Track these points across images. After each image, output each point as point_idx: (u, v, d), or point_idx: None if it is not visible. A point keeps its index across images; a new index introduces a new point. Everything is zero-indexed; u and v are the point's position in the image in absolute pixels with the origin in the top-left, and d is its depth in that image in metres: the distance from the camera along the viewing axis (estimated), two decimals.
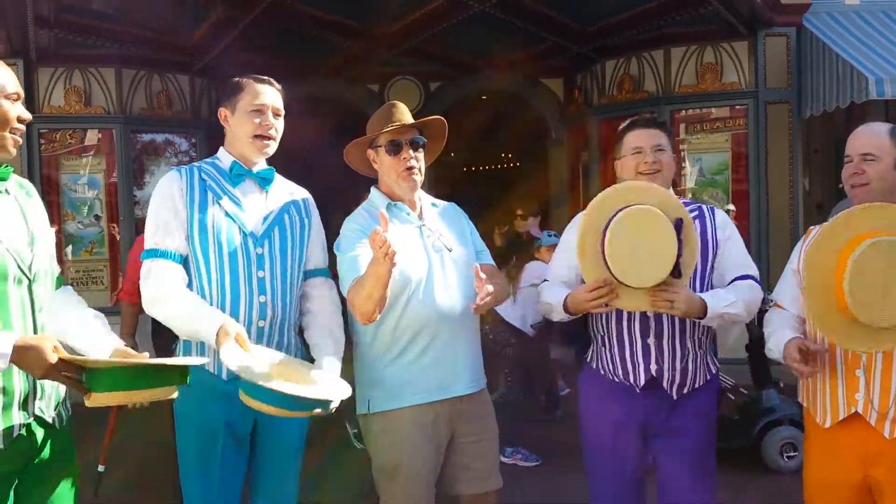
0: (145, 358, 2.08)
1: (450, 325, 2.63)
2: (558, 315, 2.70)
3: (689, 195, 7.43)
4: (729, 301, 2.57)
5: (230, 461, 2.52)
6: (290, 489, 2.65)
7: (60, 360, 1.90)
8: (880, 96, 5.95)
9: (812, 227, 2.64)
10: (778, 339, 2.51)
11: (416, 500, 2.63)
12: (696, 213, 2.73)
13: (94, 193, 7.48)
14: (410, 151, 2.69)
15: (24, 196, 2.20)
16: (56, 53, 7.12)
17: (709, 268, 2.68)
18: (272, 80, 2.63)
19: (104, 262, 7.46)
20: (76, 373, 1.93)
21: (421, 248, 2.66)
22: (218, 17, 6.42)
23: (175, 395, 2.08)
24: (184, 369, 2.11)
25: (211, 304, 2.47)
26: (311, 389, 2.29)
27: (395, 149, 2.68)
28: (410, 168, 2.68)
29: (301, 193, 2.76)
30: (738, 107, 7.35)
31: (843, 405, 2.37)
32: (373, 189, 2.80)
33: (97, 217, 7.47)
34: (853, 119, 7.87)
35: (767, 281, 7.23)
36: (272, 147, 2.61)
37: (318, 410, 2.27)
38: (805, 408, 2.55)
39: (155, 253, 2.49)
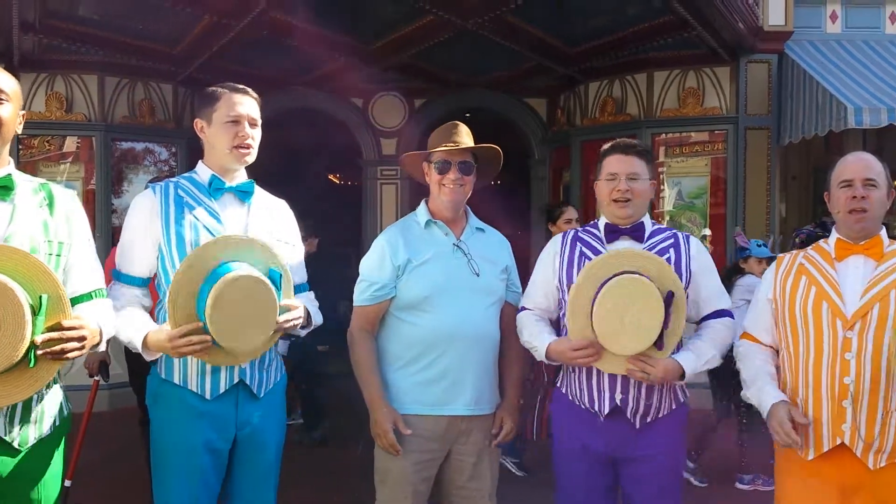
0: None
1: (460, 347, 2.69)
2: (540, 357, 2.72)
3: (667, 218, 7.48)
4: (707, 357, 2.62)
5: (209, 480, 2.49)
6: (269, 500, 2.63)
7: None
8: (858, 125, 6.03)
9: (782, 255, 2.64)
10: (761, 394, 2.48)
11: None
12: (672, 241, 2.71)
13: None
14: (458, 173, 2.78)
15: (33, 205, 2.17)
16: (39, 59, 7.06)
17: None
18: (248, 89, 2.61)
19: None
20: None
21: (447, 267, 2.74)
22: (204, 26, 6.39)
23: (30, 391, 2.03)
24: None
25: None
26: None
27: (443, 168, 2.78)
28: (453, 188, 2.78)
29: (282, 207, 2.76)
30: (717, 131, 7.43)
31: (828, 437, 2.35)
32: (422, 202, 2.92)
33: None
34: (830, 147, 7.99)
35: None
36: (251, 156, 2.60)
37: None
38: (776, 443, 2.48)
39: (117, 276, 2.56)
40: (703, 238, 7.39)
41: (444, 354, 2.68)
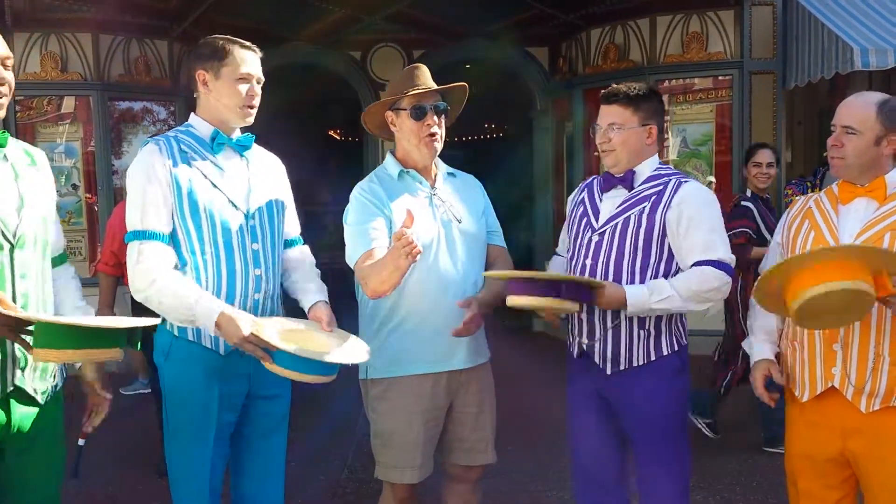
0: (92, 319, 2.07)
1: (452, 297, 2.62)
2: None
3: (672, 167, 7.41)
4: (662, 295, 2.51)
5: (223, 434, 2.51)
6: (278, 458, 2.65)
7: (1, 313, 1.87)
8: (865, 67, 5.93)
9: (797, 198, 2.63)
10: (752, 349, 2.61)
11: (409, 466, 2.67)
12: (659, 188, 2.62)
13: (72, 162, 7.36)
14: (434, 117, 2.66)
15: (25, 163, 2.19)
16: (32, 18, 6.97)
17: (654, 251, 2.59)
18: (254, 46, 2.56)
19: (82, 232, 7.37)
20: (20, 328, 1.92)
21: (429, 218, 2.66)
22: None
23: (121, 357, 2.06)
24: (132, 332, 2.09)
25: (207, 281, 2.43)
26: (343, 354, 2.34)
27: (418, 113, 2.65)
28: (433, 134, 2.66)
29: (274, 160, 2.73)
30: (722, 77, 7.32)
31: (821, 379, 2.38)
32: (388, 154, 2.78)
33: (74, 186, 7.36)
34: (837, 90, 7.88)
35: None
36: (254, 114, 2.56)
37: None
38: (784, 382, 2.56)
39: (142, 235, 2.38)
40: (710, 184, 7.34)
41: (437, 306, 2.61)
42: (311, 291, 2.65)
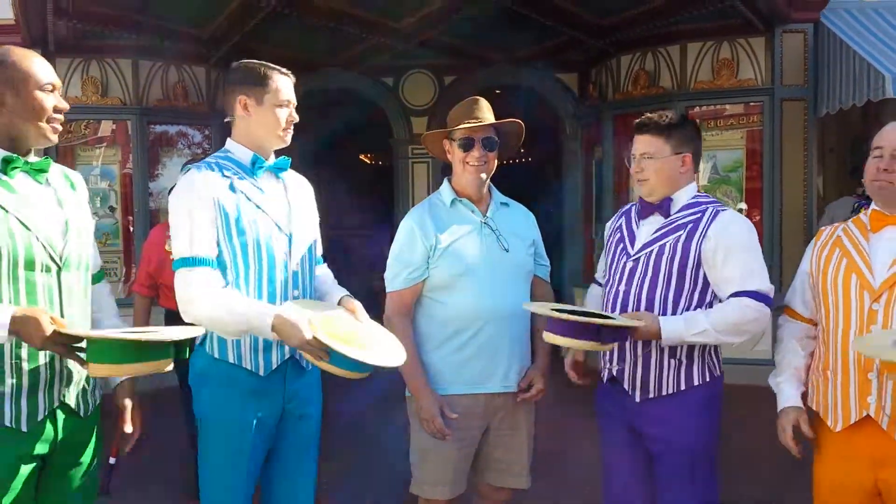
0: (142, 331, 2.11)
1: (494, 324, 2.72)
2: None
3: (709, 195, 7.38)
4: (697, 329, 2.50)
5: (257, 456, 2.54)
6: (309, 476, 2.68)
7: (56, 331, 1.93)
8: None
9: (823, 228, 2.63)
10: (779, 391, 2.60)
11: (444, 483, 2.75)
12: (696, 216, 2.61)
13: (109, 184, 7.53)
14: (482, 150, 2.78)
15: (66, 187, 2.27)
16: (74, 44, 7.16)
17: (688, 281, 2.58)
18: (289, 72, 2.62)
19: (118, 253, 7.52)
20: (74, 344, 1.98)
21: (477, 245, 2.76)
22: (235, 7, 6.43)
23: (170, 367, 2.11)
24: (180, 343, 2.14)
25: None
26: (384, 356, 2.40)
27: (467, 146, 2.77)
28: (478, 165, 2.77)
29: (304, 182, 2.78)
30: (753, 104, 7.31)
31: (855, 409, 2.36)
32: (445, 181, 2.91)
33: (112, 208, 7.52)
34: (868, 118, 7.82)
35: (780, 281, 7.21)
36: (290, 137, 2.63)
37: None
38: (815, 412, 2.53)
39: (191, 262, 2.39)
40: (740, 211, 7.30)
41: (479, 332, 2.71)
42: (336, 291, 2.71)
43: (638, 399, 2.64)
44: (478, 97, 2.87)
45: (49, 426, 2.11)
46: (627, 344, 2.63)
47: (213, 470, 2.53)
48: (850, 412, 2.37)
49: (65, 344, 1.96)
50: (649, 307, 2.59)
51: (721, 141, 7.43)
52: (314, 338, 2.27)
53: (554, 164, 9.87)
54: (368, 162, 14.12)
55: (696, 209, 2.65)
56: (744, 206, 7.28)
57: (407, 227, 2.79)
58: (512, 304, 2.75)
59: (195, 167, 2.52)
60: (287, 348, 2.50)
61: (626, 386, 2.66)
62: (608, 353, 2.70)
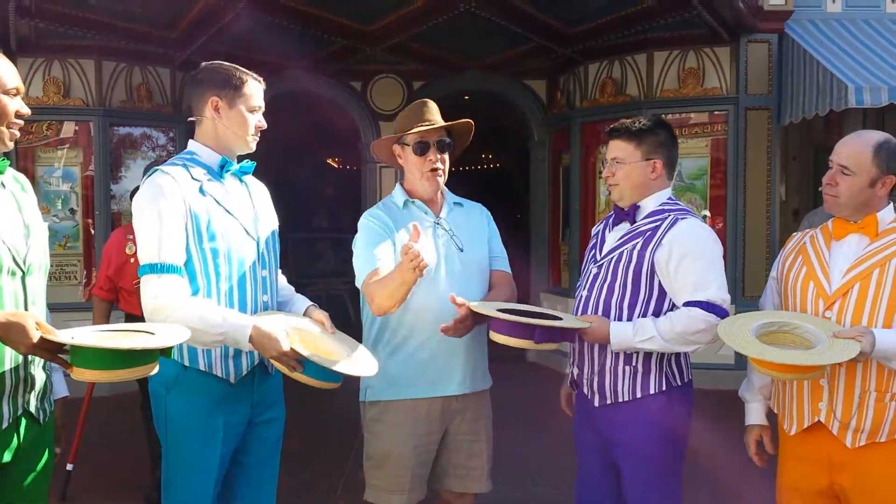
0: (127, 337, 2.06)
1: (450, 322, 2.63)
2: None
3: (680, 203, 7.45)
4: (644, 336, 2.49)
5: (226, 460, 2.51)
6: (271, 481, 2.65)
7: (42, 337, 1.88)
8: (859, 105, 6.00)
9: (794, 234, 2.66)
10: (750, 409, 2.68)
11: (399, 490, 2.69)
12: (656, 224, 2.59)
13: (70, 186, 7.39)
14: (437, 153, 2.74)
15: (19, 189, 2.20)
16: (36, 44, 7.04)
17: (643, 289, 2.57)
18: (259, 77, 2.60)
19: (78, 256, 7.37)
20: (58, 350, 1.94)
21: (431, 246, 2.70)
22: (201, 9, 6.36)
23: (156, 370, 2.06)
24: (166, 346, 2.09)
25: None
26: (358, 366, 2.42)
27: (421, 149, 2.73)
28: (435, 169, 2.74)
29: (263, 186, 2.74)
30: (718, 112, 7.40)
31: (808, 414, 2.39)
32: (397, 185, 2.86)
33: (72, 210, 7.38)
34: (831, 127, 7.96)
35: (743, 287, 7.31)
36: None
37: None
38: (777, 415, 2.57)
39: (159, 268, 2.31)
40: (704, 219, 7.38)
41: (436, 333, 2.61)
42: (300, 300, 2.70)
43: (596, 404, 2.64)
44: (426, 99, 2.83)
45: (13, 434, 2.06)
46: (586, 349, 2.64)
47: (179, 477, 2.47)
48: (803, 416, 2.41)
49: (50, 349, 1.91)
50: (605, 313, 2.60)
51: (686, 149, 7.49)
52: (292, 349, 2.26)
53: (522, 171, 9.92)
54: (336, 166, 14.08)
55: (658, 217, 2.62)
56: (707, 213, 7.36)
57: (367, 224, 2.74)
58: (468, 300, 2.64)
59: (161, 170, 2.42)
60: (257, 354, 2.46)
61: (585, 390, 2.68)
62: (571, 356, 2.71)
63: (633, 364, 2.58)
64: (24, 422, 2.09)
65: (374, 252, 2.65)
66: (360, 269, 2.66)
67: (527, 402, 6.39)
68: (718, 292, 2.51)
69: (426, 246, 2.58)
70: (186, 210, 2.34)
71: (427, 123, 2.73)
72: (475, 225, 2.88)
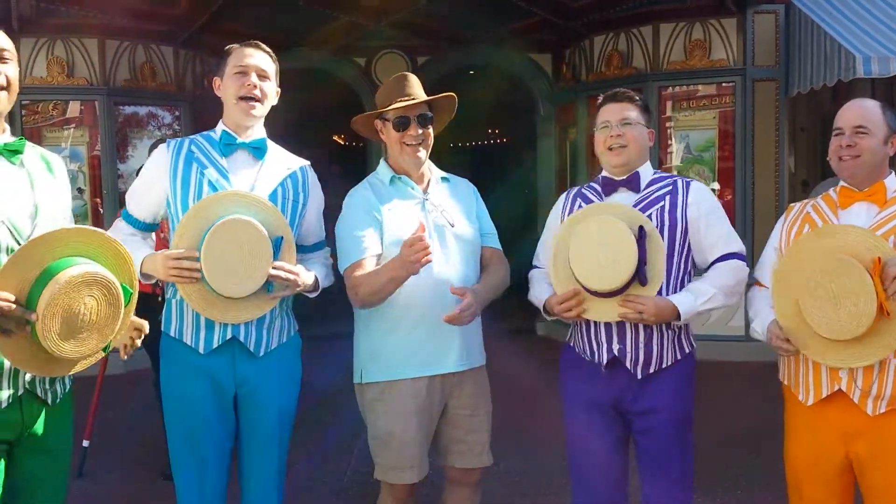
0: None
1: (444, 301, 2.63)
2: (544, 314, 2.75)
3: (675, 172, 7.43)
4: (707, 297, 2.58)
5: (216, 434, 2.54)
6: (271, 464, 2.65)
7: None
8: (867, 75, 5.95)
9: (793, 205, 2.65)
10: (763, 320, 2.54)
11: (409, 464, 2.69)
12: (669, 188, 2.68)
13: (77, 166, 7.40)
14: (418, 129, 2.68)
15: (41, 170, 2.21)
16: (39, 23, 7.01)
17: (678, 249, 2.63)
18: (261, 44, 2.62)
19: None
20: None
21: (421, 222, 2.64)
22: None
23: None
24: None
25: None
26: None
27: (402, 124, 2.68)
28: (416, 144, 2.68)
29: (300, 166, 2.74)
30: (725, 84, 7.35)
31: (827, 383, 2.39)
32: (381, 161, 2.81)
33: (80, 190, 7.40)
34: (839, 97, 7.89)
35: (753, 259, 7.26)
36: (259, 109, 2.58)
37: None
38: (786, 386, 2.57)
39: (125, 215, 2.68)
40: (713, 192, 7.34)
41: (430, 311, 2.62)
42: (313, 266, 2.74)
43: (640, 376, 2.63)
44: (406, 73, 2.77)
45: (15, 413, 2.08)
46: (627, 324, 2.61)
47: (177, 446, 2.58)
48: (821, 386, 2.40)
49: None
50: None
51: (693, 121, 7.47)
52: (175, 256, 2.39)
53: (528, 145, 9.87)
54: (341, 143, 14.04)
55: (663, 182, 2.70)
56: (716, 185, 7.34)
57: (352, 205, 2.70)
58: (461, 277, 2.68)
59: (168, 142, 2.61)
60: (229, 329, 2.50)
61: (628, 364, 2.62)
62: (603, 334, 2.65)
63: (672, 326, 2.63)
64: (27, 401, 2.11)
65: (358, 239, 2.62)
66: (344, 253, 2.65)
67: (535, 374, 6.42)
68: (741, 243, 2.71)
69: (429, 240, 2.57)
70: (169, 181, 2.54)
71: (407, 98, 2.67)
72: (463, 200, 2.84)
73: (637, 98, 2.73)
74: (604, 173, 2.77)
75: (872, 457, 2.34)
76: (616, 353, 2.63)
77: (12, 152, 2.14)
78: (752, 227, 7.17)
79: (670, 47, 7.41)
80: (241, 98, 2.54)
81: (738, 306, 2.69)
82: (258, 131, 2.64)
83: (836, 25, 6.52)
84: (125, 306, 2.06)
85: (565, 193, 2.88)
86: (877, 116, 2.42)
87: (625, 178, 2.69)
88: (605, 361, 2.65)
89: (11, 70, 2.16)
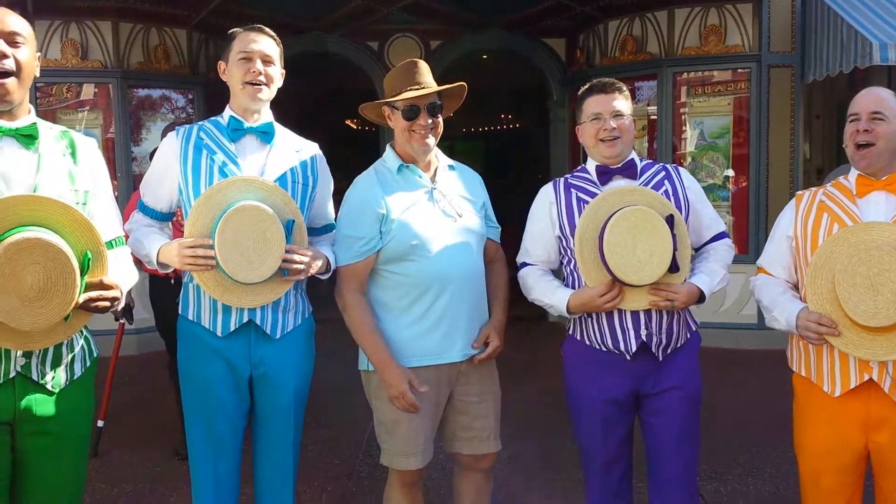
0: None
1: (450, 291, 2.65)
2: (559, 313, 2.73)
3: (689, 159, 7.40)
4: (719, 277, 2.73)
5: (230, 413, 2.58)
6: (286, 445, 2.68)
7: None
8: (884, 62, 5.88)
9: (801, 192, 2.62)
10: (786, 310, 2.47)
11: (415, 452, 2.70)
12: (664, 174, 2.76)
13: None
14: (428, 118, 2.65)
15: (59, 155, 2.20)
16: (53, 5, 7.02)
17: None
18: (264, 27, 2.61)
19: None
20: None
21: (429, 212, 2.67)
22: None
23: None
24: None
25: None
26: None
27: (412, 113, 2.64)
28: (424, 133, 2.66)
29: (309, 149, 2.75)
30: (740, 70, 7.29)
31: (856, 373, 2.37)
32: (388, 147, 2.79)
33: None
34: (855, 84, 7.83)
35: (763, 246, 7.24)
36: (265, 93, 2.59)
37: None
38: (802, 377, 2.53)
39: (141, 206, 2.71)
40: (727, 178, 7.32)
41: (436, 301, 2.63)
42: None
43: (661, 357, 2.65)
44: (416, 60, 2.73)
45: (7, 394, 2.08)
46: (653, 311, 2.62)
47: (193, 425, 2.62)
48: (848, 377, 2.38)
49: None
50: None
51: (708, 107, 7.42)
52: (192, 244, 2.42)
53: (541, 130, 9.84)
54: (354, 127, 14.04)
55: (655, 168, 2.79)
56: (731, 172, 7.30)
57: (355, 198, 2.67)
58: (466, 268, 2.69)
59: (176, 130, 2.63)
60: (246, 312, 2.54)
61: (653, 349, 2.63)
62: (629, 321, 2.62)
63: (683, 309, 2.69)
64: (20, 384, 2.10)
65: (354, 237, 2.63)
66: (342, 252, 2.66)
67: (549, 361, 6.43)
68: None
69: (420, 225, 2.63)
70: (179, 169, 2.56)
71: (417, 87, 2.64)
72: (470, 189, 2.83)
73: (624, 88, 2.76)
74: (594, 162, 2.76)
75: (895, 446, 2.33)
76: (644, 338, 2.62)
77: (27, 137, 2.13)
78: (766, 214, 7.14)
79: (685, 32, 7.35)
80: (247, 83, 2.55)
81: (750, 296, 2.72)
82: (266, 115, 2.65)
83: (853, 12, 6.45)
84: (84, 272, 2.03)
85: (551, 184, 2.82)
86: (893, 103, 2.41)
87: (620, 166, 2.71)
88: (633, 349, 2.63)
89: (24, 54, 2.13)
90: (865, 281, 2.24)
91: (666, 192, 2.69)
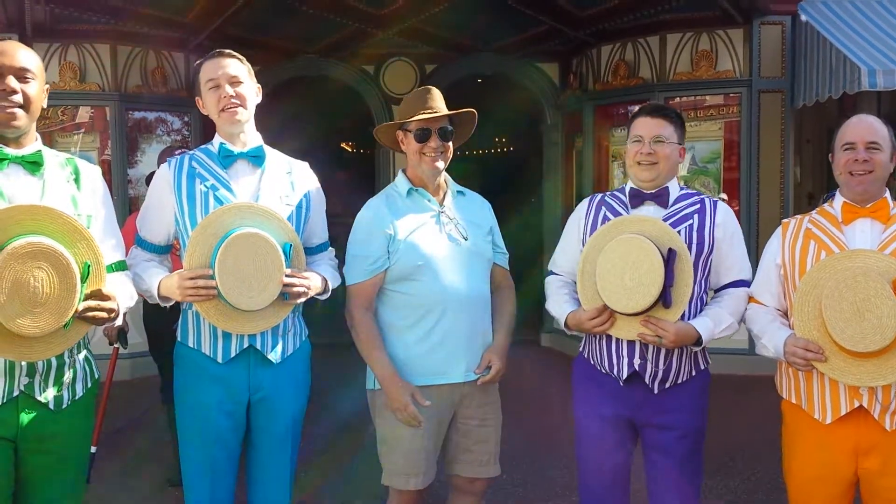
0: None
1: (455, 313, 2.70)
2: (560, 326, 2.76)
3: (681, 183, 7.44)
4: (725, 324, 2.62)
5: (227, 440, 2.58)
6: (283, 469, 2.68)
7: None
8: (872, 87, 5.96)
9: (787, 220, 2.65)
10: (774, 337, 2.50)
11: (415, 473, 2.72)
12: (697, 206, 2.69)
13: None
14: (438, 140, 2.74)
15: (63, 181, 2.26)
16: (51, 29, 7.08)
17: (701, 268, 2.64)
18: (224, 50, 2.64)
19: None
20: None
21: (435, 235, 2.73)
22: None
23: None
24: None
25: None
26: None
27: (423, 136, 2.73)
28: (435, 155, 2.74)
29: (300, 169, 2.78)
30: (731, 95, 7.36)
31: (846, 401, 2.38)
32: (400, 172, 2.86)
33: None
34: (844, 110, 7.91)
35: (756, 271, 7.25)
36: (242, 114, 2.60)
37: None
38: (791, 404, 2.55)
39: (139, 241, 2.69)
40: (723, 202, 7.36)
41: (440, 322, 2.69)
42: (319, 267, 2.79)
43: (656, 391, 2.63)
44: (430, 87, 2.84)
45: (10, 412, 2.12)
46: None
47: (185, 451, 2.62)
48: (839, 404, 2.40)
49: None
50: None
51: (699, 132, 7.49)
52: (191, 276, 2.41)
53: (535, 154, 9.89)
54: (350, 150, 14.08)
55: (690, 199, 2.71)
56: (724, 196, 7.35)
57: (364, 219, 2.77)
58: (471, 291, 2.75)
59: (168, 161, 2.66)
60: (246, 337, 2.54)
61: (646, 379, 2.63)
62: (624, 349, 2.64)
63: (689, 347, 2.63)
64: (24, 402, 2.14)
65: (363, 256, 2.71)
66: (352, 272, 2.74)
67: (541, 385, 6.44)
68: (751, 272, 2.74)
69: (427, 246, 2.68)
70: (175, 200, 2.57)
71: (429, 111, 2.73)
72: (478, 214, 2.90)
73: (673, 114, 2.72)
74: (630, 184, 2.77)
75: (885, 472, 2.35)
76: (636, 367, 2.63)
77: (32, 163, 2.19)
78: (756, 238, 7.17)
79: (677, 58, 7.43)
80: (222, 110, 2.59)
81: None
82: (254, 139, 2.68)
83: (842, 38, 6.53)
84: (84, 280, 2.06)
85: (588, 199, 2.86)
86: (885, 133, 2.46)
87: (653, 192, 2.69)
88: (624, 376, 2.64)
89: (33, 89, 2.21)
90: (852, 307, 2.27)
91: (690, 226, 2.64)
